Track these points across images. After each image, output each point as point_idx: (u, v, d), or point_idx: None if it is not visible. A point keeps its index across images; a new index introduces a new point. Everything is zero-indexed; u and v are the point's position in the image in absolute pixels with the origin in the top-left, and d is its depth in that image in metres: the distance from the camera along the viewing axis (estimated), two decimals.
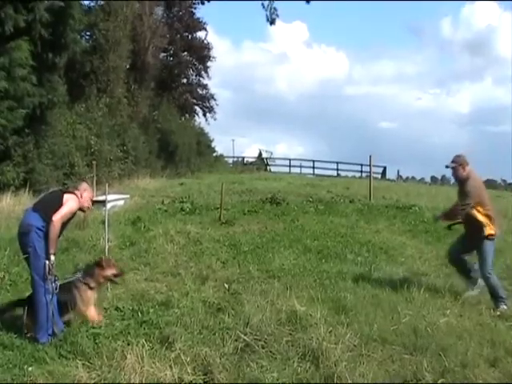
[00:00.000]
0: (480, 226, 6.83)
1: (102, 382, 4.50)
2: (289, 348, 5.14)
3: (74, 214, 5.83)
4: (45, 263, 5.39)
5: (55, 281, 5.53)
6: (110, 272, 6.19)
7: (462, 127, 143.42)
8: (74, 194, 5.80)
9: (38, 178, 18.59)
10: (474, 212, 6.85)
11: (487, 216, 6.89)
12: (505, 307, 6.69)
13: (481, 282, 7.10)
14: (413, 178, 45.20)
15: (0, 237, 10.97)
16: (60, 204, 5.58)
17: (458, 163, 7.01)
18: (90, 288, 5.98)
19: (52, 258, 5.43)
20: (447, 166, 7.15)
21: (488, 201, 7.04)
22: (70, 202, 5.65)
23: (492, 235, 6.88)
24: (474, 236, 6.95)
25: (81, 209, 5.94)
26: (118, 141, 27.09)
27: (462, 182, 7.05)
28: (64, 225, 5.65)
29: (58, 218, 5.47)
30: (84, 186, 6.04)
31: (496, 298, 6.82)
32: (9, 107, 16.36)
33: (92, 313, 5.95)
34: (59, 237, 5.66)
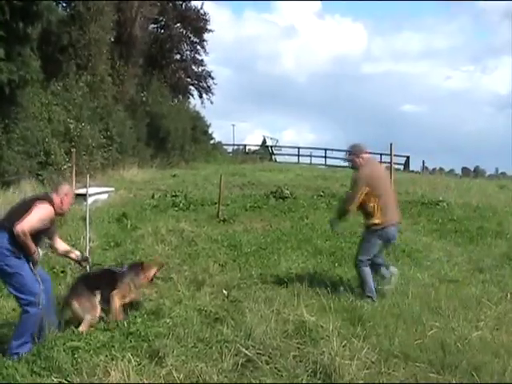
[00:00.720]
0: (367, 214, 7.55)
1: None
2: (297, 364, 5.13)
3: (49, 224, 5.84)
4: (21, 277, 5.55)
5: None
6: (153, 272, 6.92)
7: (500, 111, 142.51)
8: (47, 201, 5.80)
9: (7, 168, 18.55)
10: (365, 200, 7.46)
11: (378, 206, 7.47)
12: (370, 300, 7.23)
13: (388, 274, 7.72)
14: (441, 169, 44.86)
15: None
16: (26, 211, 5.61)
17: (353, 154, 7.79)
18: (133, 285, 6.64)
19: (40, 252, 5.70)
20: (345, 159, 8.10)
21: (382, 191, 7.60)
22: (38, 209, 5.65)
23: (376, 225, 7.47)
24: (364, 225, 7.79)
25: (59, 214, 6.05)
26: (100, 125, 27.06)
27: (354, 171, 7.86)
28: (38, 237, 5.70)
29: (22, 225, 5.47)
30: (65, 189, 6.06)
31: (364, 291, 7.40)
32: None
33: (119, 311, 6.39)
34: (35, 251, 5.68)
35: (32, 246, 5.56)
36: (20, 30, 18.55)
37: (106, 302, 6.37)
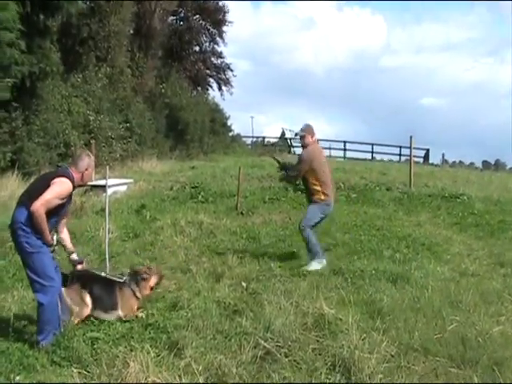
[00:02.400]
0: (310, 190, 8.75)
1: None
2: (316, 357, 5.10)
3: (66, 200, 5.63)
4: (40, 258, 5.44)
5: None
6: (153, 281, 6.61)
7: None
8: (66, 175, 5.60)
9: (28, 159, 18.65)
10: (306, 178, 8.70)
11: (319, 184, 8.65)
12: (319, 265, 8.36)
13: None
14: (461, 162, 44.74)
15: None
16: (45, 188, 5.45)
17: (307, 132, 8.82)
18: (136, 297, 6.39)
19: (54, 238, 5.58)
20: (296, 134, 9.20)
21: (321, 171, 8.67)
22: (56, 186, 5.47)
23: (320, 200, 8.68)
24: (307, 199, 9.01)
25: (80, 185, 5.93)
26: (120, 117, 27.20)
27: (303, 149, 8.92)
28: (54, 214, 5.54)
29: (37, 205, 5.32)
30: (85, 163, 5.75)
31: (311, 252, 8.55)
32: None
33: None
34: (51, 230, 5.58)
35: (46, 229, 5.40)
36: (40, 23, 18.69)
37: (103, 311, 6.18)
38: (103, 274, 6.55)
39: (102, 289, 6.26)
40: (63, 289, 5.90)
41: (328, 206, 8.81)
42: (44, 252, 5.47)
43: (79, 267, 6.25)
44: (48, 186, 5.46)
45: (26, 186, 15.10)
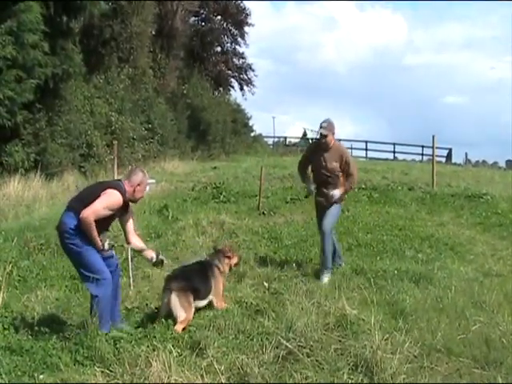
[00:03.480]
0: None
1: None
2: (338, 357, 5.08)
3: (116, 212, 5.70)
4: (89, 254, 5.55)
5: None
6: (234, 261, 6.85)
7: None
8: (118, 188, 5.65)
9: (51, 160, 18.76)
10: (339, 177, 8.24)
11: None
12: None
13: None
14: (484, 162, 44.12)
15: (8, 227, 11.20)
16: (96, 198, 5.53)
17: (331, 131, 8.09)
18: (222, 274, 6.56)
19: (106, 245, 5.65)
20: (320, 132, 8.14)
21: None
22: (106, 196, 5.54)
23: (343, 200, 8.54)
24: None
25: (131, 201, 5.91)
26: (142, 118, 27.33)
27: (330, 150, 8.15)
28: (103, 224, 5.64)
29: (87, 212, 5.41)
30: (139, 179, 5.81)
31: (327, 260, 8.05)
32: (17, 78, 16.29)
33: (223, 305, 6.45)
34: (102, 240, 5.66)
35: (96, 237, 5.50)
36: (63, 25, 18.80)
37: (201, 299, 6.26)
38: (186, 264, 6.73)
39: (199, 278, 6.32)
40: (172, 295, 5.94)
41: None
42: (91, 249, 5.57)
43: (159, 266, 6.40)
44: (99, 195, 5.55)
45: (49, 186, 15.30)
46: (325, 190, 8.23)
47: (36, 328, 5.79)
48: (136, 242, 6.13)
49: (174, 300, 5.94)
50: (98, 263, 5.60)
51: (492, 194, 15.63)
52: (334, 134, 8.16)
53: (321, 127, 8.05)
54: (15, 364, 5.06)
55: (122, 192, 5.66)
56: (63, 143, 19.87)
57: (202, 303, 6.32)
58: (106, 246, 5.67)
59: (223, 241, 6.63)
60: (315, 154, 8.31)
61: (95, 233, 5.50)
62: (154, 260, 6.14)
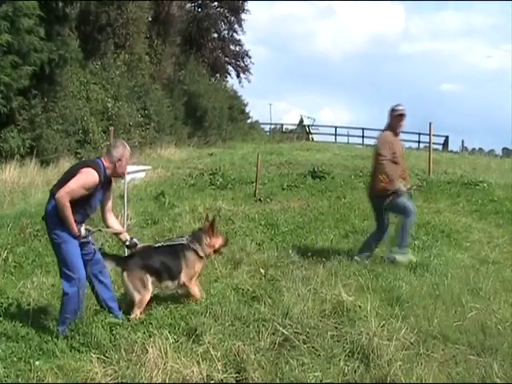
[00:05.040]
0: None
1: (120, 379, 4.51)
2: (334, 344, 5.10)
3: (94, 191, 5.48)
4: (67, 248, 5.43)
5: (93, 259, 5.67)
6: (218, 242, 6.48)
7: None
8: (93, 166, 5.48)
9: (47, 146, 18.72)
10: None
11: None
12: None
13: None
14: (480, 149, 44.01)
15: (3, 213, 11.18)
16: (72, 178, 5.38)
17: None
18: (199, 257, 6.27)
19: (82, 230, 5.48)
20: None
21: None
22: (81, 175, 5.37)
23: None
24: None
25: (115, 176, 5.79)
26: (138, 104, 27.22)
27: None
28: (81, 205, 5.44)
29: (61, 193, 5.26)
30: (119, 153, 5.62)
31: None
32: (12, 63, 16.28)
33: (196, 289, 6.26)
34: (83, 221, 5.55)
35: (70, 218, 5.33)
36: (59, 10, 18.75)
37: (171, 280, 6.15)
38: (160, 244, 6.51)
39: (166, 259, 6.16)
40: (124, 273, 5.94)
41: None
42: (71, 243, 5.44)
43: (132, 250, 6.20)
44: (75, 175, 5.40)
45: (45, 172, 15.22)
46: None
47: (32, 314, 5.75)
48: (113, 222, 5.96)
49: (125, 279, 5.93)
50: (75, 261, 5.47)
51: (488, 181, 15.58)
52: None
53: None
54: (11, 350, 5.07)
55: (100, 170, 5.46)
56: (59, 129, 19.79)
57: (170, 284, 6.17)
58: (83, 232, 5.51)
59: (209, 217, 6.47)
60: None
61: (70, 215, 5.31)
62: (128, 243, 6.05)
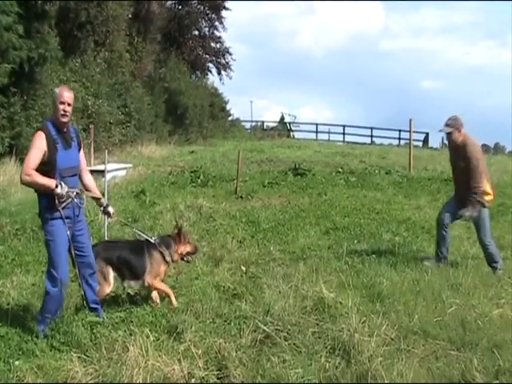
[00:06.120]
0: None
1: (101, 378, 4.46)
2: (315, 340, 5.09)
3: (52, 148, 5.32)
4: (55, 247, 5.38)
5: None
6: (186, 249, 6.42)
7: None
8: (39, 128, 5.50)
9: (26, 144, 18.36)
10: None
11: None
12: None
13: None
14: None
15: None
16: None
17: (454, 127, 7.43)
18: (165, 261, 6.21)
19: (58, 190, 5.28)
20: (440, 130, 7.66)
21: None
22: (32, 143, 5.37)
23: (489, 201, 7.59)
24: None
25: (61, 124, 5.48)
26: (118, 102, 27.09)
27: (458, 148, 7.52)
28: (50, 168, 5.30)
29: (21, 173, 5.28)
30: (54, 97, 5.57)
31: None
32: None
33: (161, 285, 6.18)
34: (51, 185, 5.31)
35: (44, 180, 5.23)
36: (38, 7, 18.56)
37: (133, 279, 6.11)
38: (134, 230, 6.67)
39: (130, 254, 6.14)
40: None
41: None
42: (60, 242, 5.39)
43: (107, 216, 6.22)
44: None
45: None
46: None
47: (11, 314, 5.70)
48: (89, 180, 5.86)
49: None
50: (60, 260, 5.41)
51: None
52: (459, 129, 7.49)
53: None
54: None
55: (46, 127, 5.44)
56: (39, 128, 19.61)
57: (134, 283, 6.16)
58: (65, 189, 5.29)
59: (178, 224, 6.44)
60: None
61: (40, 178, 5.23)
62: (102, 208, 6.03)
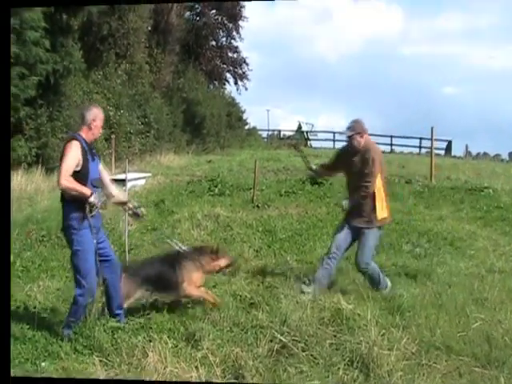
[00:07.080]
0: (373, 206, 6.64)
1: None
2: (333, 352, 4.99)
3: (87, 158, 5.46)
4: (83, 256, 5.41)
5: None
6: (223, 263, 6.45)
7: None
8: (72, 138, 5.53)
9: (52, 154, 18.96)
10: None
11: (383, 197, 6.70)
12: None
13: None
14: (485, 154, 43.25)
15: (11, 219, 11.18)
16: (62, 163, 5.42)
17: (355, 130, 6.69)
18: (198, 269, 6.21)
19: (91, 198, 5.33)
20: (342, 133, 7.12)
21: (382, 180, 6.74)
22: (65, 153, 5.39)
23: (384, 219, 6.75)
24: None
25: (94, 139, 5.75)
26: (138, 112, 27.29)
27: (358, 154, 6.74)
28: (85, 179, 5.41)
29: (59, 180, 5.29)
30: (92, 115, 5.64)
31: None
32: (19, 74, 16.55)
33: (202, 292, 6.19)
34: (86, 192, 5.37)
35: (81, 187, 5.30)
36: (63, 22, 19.12)
37: (165, 292, 6.14)
38: (171, 241, 6.61)
39: (161, 270, 6.13)
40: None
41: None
42: (88, 250, 5.43)
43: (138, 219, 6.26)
44: (62, 159, 5.44)
45: (50, 180, 15.73)
46: None
47: (38, 317, 5.82)
48: (117, 193, 5.96)
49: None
50: (89, 269, 5.46)
51: (494, 187, 15.31)
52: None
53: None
54: (18, 351, 5.16)
55: (78, 138, 5.50)
56: (63, 138, 19.96)
57: (166, 295, 6.19)
58: (92, 199, 5.32)
59: (214, 240, 6.46)
60: None
61: (77, 185, 5.31)
62: (133, 210, 5.98)
